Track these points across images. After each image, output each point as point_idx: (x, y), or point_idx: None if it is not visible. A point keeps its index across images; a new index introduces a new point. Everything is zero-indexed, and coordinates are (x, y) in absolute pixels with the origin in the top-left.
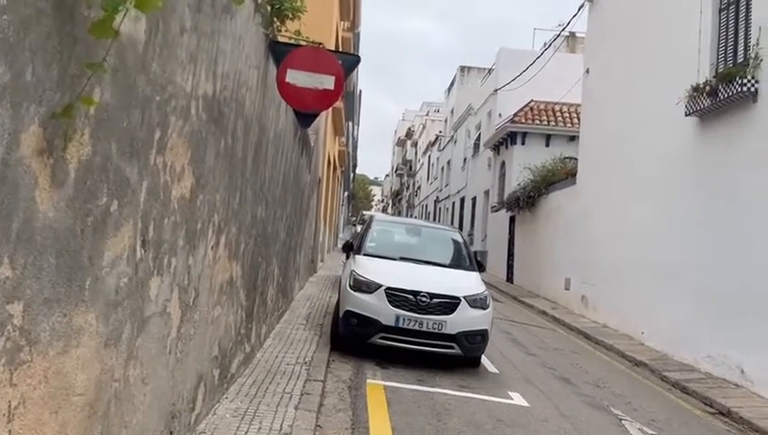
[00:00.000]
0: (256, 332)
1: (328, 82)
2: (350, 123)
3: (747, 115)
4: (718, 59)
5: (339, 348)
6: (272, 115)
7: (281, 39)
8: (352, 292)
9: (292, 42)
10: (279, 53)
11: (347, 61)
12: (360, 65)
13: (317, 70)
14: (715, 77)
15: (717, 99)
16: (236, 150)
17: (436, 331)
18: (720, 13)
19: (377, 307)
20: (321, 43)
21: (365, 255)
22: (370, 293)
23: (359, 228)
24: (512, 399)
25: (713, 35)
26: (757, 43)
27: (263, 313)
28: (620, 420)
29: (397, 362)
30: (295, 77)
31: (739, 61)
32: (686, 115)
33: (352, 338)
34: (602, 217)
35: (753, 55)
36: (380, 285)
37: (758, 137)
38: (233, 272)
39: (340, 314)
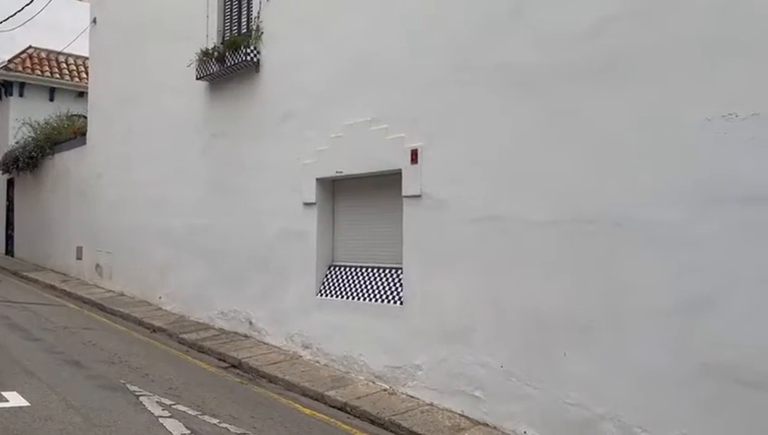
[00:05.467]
0: None
1: None
2: None
3: (251, 85)
4: (225, 26)
5: None
6: None
7: None
8: None
9: None
10: None
11: None
12: None
13: None
14: (222, 44)
15: (225, 65)
16: None
17: None
18: None
19: None
20: None
21: None
22: None
23: None
24: (7, 401)
25: (219, 2)
26: (258, 16)
27: None
28: (138, 396)
29: None
30: None
31: (243, 31)
32: (198, 79)
33: None
34: (117, 181)
35: (255, 27)
36: None
37: (259, 106)
38: None
39: None
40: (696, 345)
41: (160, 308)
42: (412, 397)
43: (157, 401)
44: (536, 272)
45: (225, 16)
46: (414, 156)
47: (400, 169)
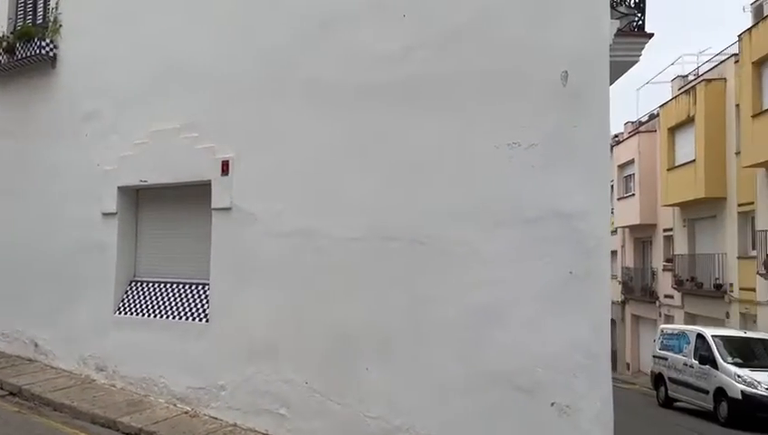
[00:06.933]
0: None
1: None
2: None
3: (47, 81)
4: (18, 14)
5: None
6: None
7: None
8: None
9: None
10: None
11: None
12: None
13: None
14: (12, 33)
15: (16, 57)
16: None
17: None
18: None
19: None
20: None
21: None
22: None
23: None
24: None
25: None
26: (56, 7)
27: None
28: None
29: None
30: None
31: (39, 21)
32: None
33: None
34: None
35: (52, 18)
36: None
37: (55, 104)
38: None
39: None
40: (484, 356)
41: None
42: (215, 418)
43: None
44: (341, 287)
45: (17, 3)
46: (225, 167)
47: (210, 181)
